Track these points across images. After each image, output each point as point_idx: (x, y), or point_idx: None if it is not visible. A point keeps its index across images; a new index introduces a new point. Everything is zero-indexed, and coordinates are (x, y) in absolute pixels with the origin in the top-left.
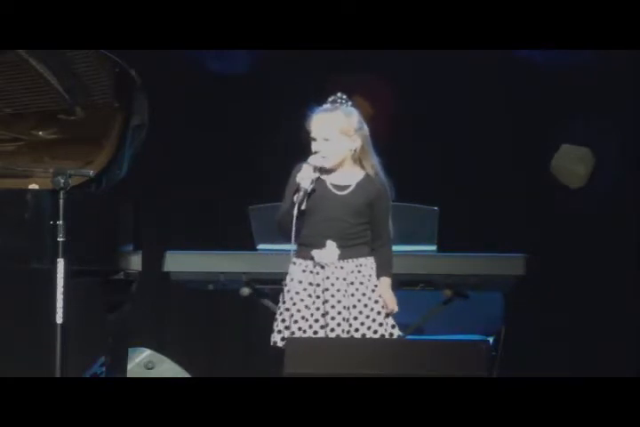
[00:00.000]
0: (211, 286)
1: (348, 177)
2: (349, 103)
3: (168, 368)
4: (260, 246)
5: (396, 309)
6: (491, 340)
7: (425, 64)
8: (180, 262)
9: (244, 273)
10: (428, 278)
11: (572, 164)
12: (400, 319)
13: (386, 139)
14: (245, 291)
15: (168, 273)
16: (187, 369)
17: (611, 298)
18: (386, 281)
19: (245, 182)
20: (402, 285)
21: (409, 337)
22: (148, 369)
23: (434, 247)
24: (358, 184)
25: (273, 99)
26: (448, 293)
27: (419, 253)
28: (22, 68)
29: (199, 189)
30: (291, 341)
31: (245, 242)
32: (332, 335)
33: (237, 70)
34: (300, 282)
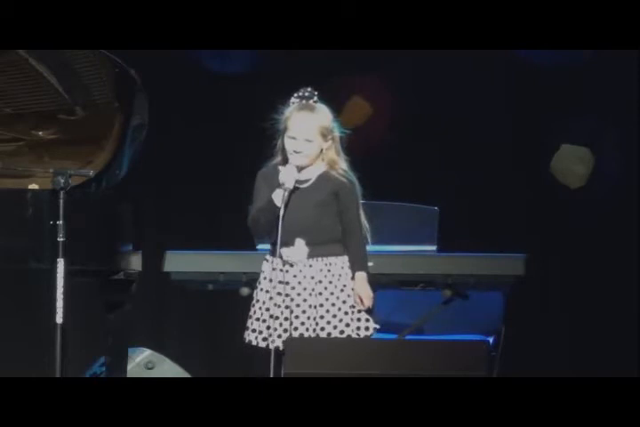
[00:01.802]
0: (210, 286)
1: (310, 171)
2: (319, 98)
3: (168, 368)
4: (260, 246)
5: (369, 305)
6: (491, 340)
7: (425, 64)
8: (179, 262)
9: (244, 273)
10: (427, 278)
11: (572, 164)
12: (400, 319)
13: (385, 139)
14: (245, 291)
15: (168, 273)
16: (187, 369)
17: (611, 298)
18: (361, 276)
19: (245, 182)
20: (402, 285)
21: (409, 337)
22: (148, 369)
23: (434, 247)
24: (320, 176)
25: (273, 99)
26: (448, 293)
27: (419, 253)
28: (22, 68)
29: (199, 189)
30: (290, 341)
31: (245, 242)
32: (296, 334)
33: (237, 70)
34: (270, 280)
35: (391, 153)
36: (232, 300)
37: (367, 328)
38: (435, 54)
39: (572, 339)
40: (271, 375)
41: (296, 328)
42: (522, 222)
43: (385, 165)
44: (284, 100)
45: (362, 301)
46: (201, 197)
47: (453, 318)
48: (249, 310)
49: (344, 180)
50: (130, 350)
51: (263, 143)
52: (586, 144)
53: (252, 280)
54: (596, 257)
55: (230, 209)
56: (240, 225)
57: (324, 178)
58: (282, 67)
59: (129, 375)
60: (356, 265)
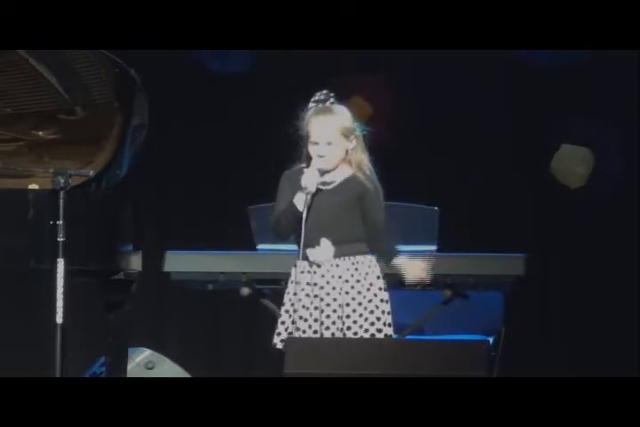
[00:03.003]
0: (211, 286)
1: (336, 174)
2: (335, 100)
3: (168, 368)
4: (260, 246)
5: (423, 275)
6: (491, 340)
7: (425, 64)
8: (179, 262)
9: (244, 273)
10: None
11: (572, 164)
12: (400, 319)
13: (385, 139)
14: (245, 291)
15: (168, 273)
16: (187, 369)
17: (611, 298)
18: (401, 260)
19: (245, 182)
20: (402, 285)
21: (409, 337)
22: (148, 369)
23: (434, 247)
24: (346, 179)
25: (273, 99)
26: (448, 293)
27: (419, 253)
28: (22, 68)
29: (199, 189)
30: (290, 341)
31: (245, 242)
32: (328, 333)
33: (238, 70)
34: (298, 283)
35: (391, 153)
36: (232, 300)
37: (390, 325)
38: (435, 54)
39: (572, 339)
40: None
41: (327, 328)
42: (522, 222)
43: (385, 164)
44: (284, 99)
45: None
46: (201, 197)
47: (453, 318)
48: (250, 309)
49: (369, 185)
50: (130, 350)
51: (263, 143)
52: (586, 144)
53: (251, 280)
54: (596, 257)
55: (230, 209)
56: (240, 225)
57: (350, 181)
58: (282, 67)
59: (129, 375)
60: (389, 258)
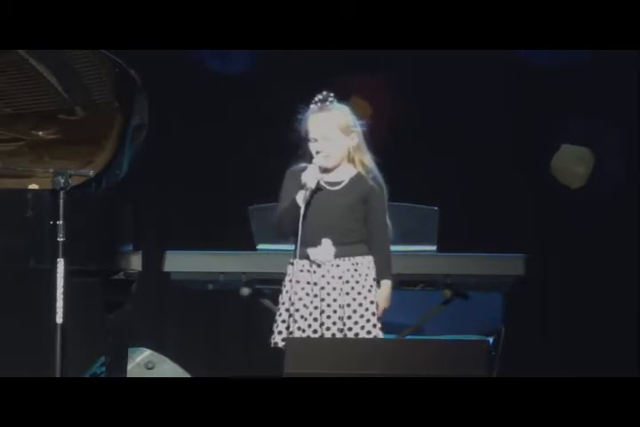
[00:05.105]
0: (211, 286)
1: (342, 174)
2: (335, 100)
3: (168, 368)
4: (260, 246)
5: (381, 314)
6: (491, 340)
7: (425, 64)
8: (179, 262)
9: (244, 273)
10: (427, 278)
11: (572, 164)
12: (400, 319)
13: (385, 139)
14: (245, 291)
15: (168, 273)
16: (187, 369)
17: (611, 298)
18: (387, 284)
19: (245, 182)
20: (402, 285)
21: (409, 337)
22: (148, 369)
23: (434, 247)
24: (352, 180)
25: (273, 99)
26: (447, 293)
27: (419, 253)
28: (22, 68)
29: (199, 189)
30: (290, 341)
31: (245, 242)
32: (328, 334)
33: (237, 70)
34: (298, 282)
35: (391, 153)
36: (232, 300)
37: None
38: (435, 54)
39: (572, 339)
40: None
41: (328, 328)
42: (522, 222)
43: (385, 165)
44: (284, 100)
45: (377, 308)
46: (201, 197)
47: (453, 318)
48: (250, 309)
49: (375, 186)
50: (130, 350)
51: (263, 143)
52: (586, 144)
53: (251, 280)
54: (596, 257)
55: (230, 209)
56: (240, 225)
57: (356, 182)
58: (282, 67)
59: (129, 375)
60: (383, 271)
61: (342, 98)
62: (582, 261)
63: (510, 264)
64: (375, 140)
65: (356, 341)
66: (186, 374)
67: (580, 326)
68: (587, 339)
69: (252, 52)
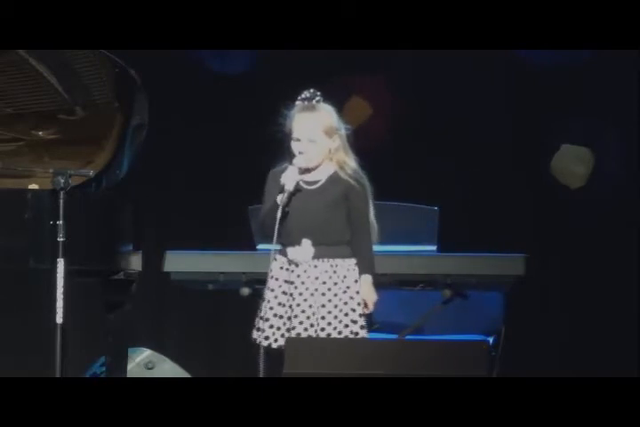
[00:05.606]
0: (211, 286)
1: (320, 173)
2: (322, 99)
3: (168, 368)
4: (260, 246)
5: (371, 309)
6: (491, 340)
7: (425, 64)
8: (179, 262)
9: (244, 273)
10: (427, 278)
11: (572, 164)
12: (400, 319)
13: (385, 139)
14: (245, 291)
15: (168, 273)
16: (187, 369)
17: (611, 298)
18: (367, 279)
19: (245, 182)
20: (402, 285)
21: (409, 337)
22: (148, 369)
23: (434, 247)
24: (329, 178)
25: (273, 99)
26: (448, 293)
27: (419, 253)
28: (22, 68)
29: (199, 189)
30: (290, 341)
31: (245, 242)
32: (293, 334)
33: (237, 70)
34: (277, 279)
35: (391, 153)
36: (232, 300)
37: (362, 327)
38: (435, 54)
39: (572, 339)
40: (260, 375)
41: (293, 328)
42: (522, 222)
43: (385, 165)
44: (284, 100)
45: (366, 304)
46: (201, 197)
47: (453, 318)
48: (250, 309)
49: (353, 182)
50: (130, 350)
51: (263, 143)
52: (586, 144)
53: (252, 280)
54: (596, 257)
55: (230, 209)
56: (240, 225)
57: (334, 179)
58: (282, 67)
59: (129, 375)
60: (363, 267)
61: (342, 98)
62: (582, 261)
63: (510, 264)
64: (375, 140)
65: (356, 341)
66: (186, 374)
67: (580, 326)
68: (587, 339)
69: (252, 52)
